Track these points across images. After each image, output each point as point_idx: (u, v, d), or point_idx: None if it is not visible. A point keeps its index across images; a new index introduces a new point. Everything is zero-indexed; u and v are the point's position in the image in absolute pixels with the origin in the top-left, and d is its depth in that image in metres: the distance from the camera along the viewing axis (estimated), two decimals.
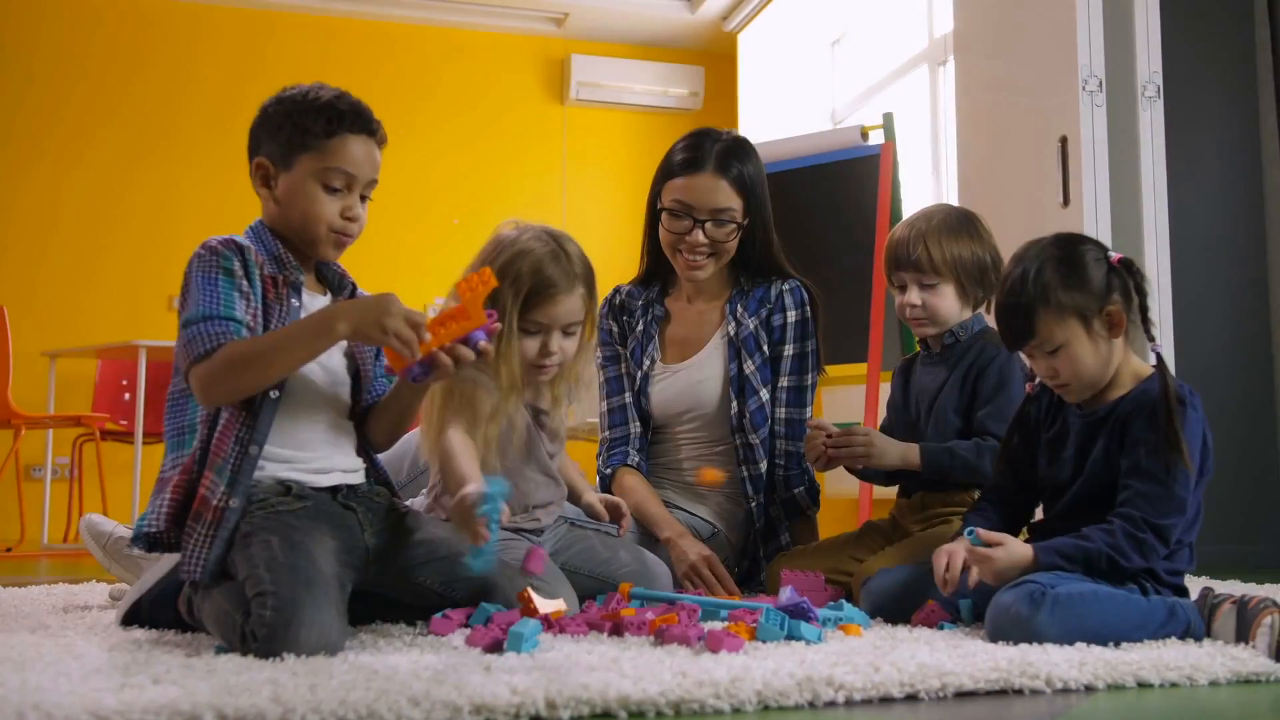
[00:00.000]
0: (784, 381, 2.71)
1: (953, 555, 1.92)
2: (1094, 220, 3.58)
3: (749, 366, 2.69)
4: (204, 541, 1.85)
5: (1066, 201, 3.64)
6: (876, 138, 4.44)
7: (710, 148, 2.66)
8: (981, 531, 1.92)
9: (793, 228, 4.50)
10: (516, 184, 6.72)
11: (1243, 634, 1.74)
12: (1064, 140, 3.67)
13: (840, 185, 4.39)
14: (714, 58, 7.02)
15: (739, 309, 2.73)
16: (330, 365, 2.04)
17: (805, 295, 2.75)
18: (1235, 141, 4.04)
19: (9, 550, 5.02)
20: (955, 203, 4.38)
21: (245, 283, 1.93)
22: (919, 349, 2.53)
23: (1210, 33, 4.06)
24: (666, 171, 2.71)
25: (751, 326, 2.70)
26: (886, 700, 1.47)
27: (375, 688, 1.36)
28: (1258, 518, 3.85)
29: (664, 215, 2.69)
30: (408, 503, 2.28)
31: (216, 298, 1.89)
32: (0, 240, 6.10)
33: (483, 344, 1.90)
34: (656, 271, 2.81)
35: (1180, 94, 3.86)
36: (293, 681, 1.40)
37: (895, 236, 2.47)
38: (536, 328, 2.16)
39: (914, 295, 2.41)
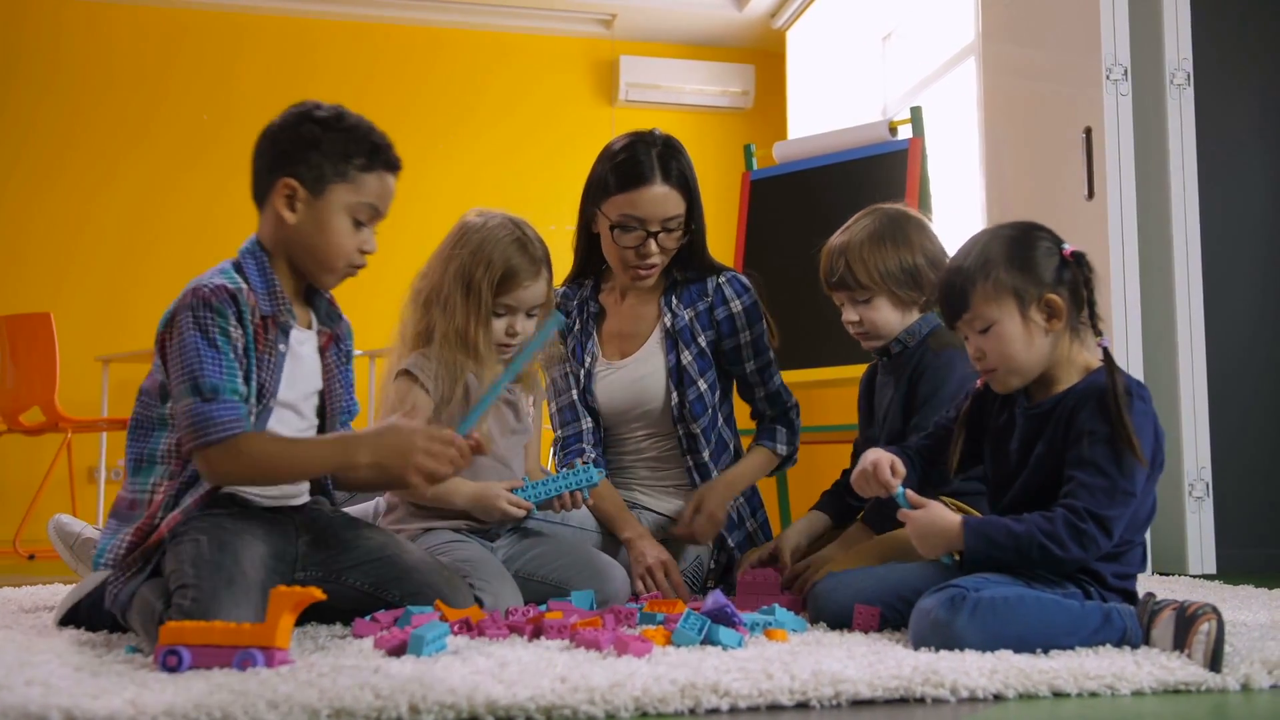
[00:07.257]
0: (751, 365, 2.72)
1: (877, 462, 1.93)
2: (1119, 213, 3.46)
3: (686, 357, 2.65)
4: (133, 568, 1.87)
5: (1091, 194, 3.53)
6: (905, 133, 4.38)
7: (649, 155, 2.57)
8: (911, 494, 1.90)
9: (821, 224, 4.45)
10: (566, 186, 6.61)
11: (1180, 641, 1.65)
12: (1088, 131, 3.56)
13: (868, 181, 4.33)
14: (764, 55, 6.94)
15: (674, 300, 2.70)
16: (305, 411, 2.04)
17: (744, 283, 2.73)
18: (1274, 131, 3.87)
19: None
20: (983, 196, 4.29)
21: (240, 342, 1.89)
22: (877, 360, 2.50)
23: (1247, 17, 3.89)
24: (605, 187, 2.60)
25: (687, 318, 2.68)
26: (775, 708, 1.43)
27: (240, 690, 1.36)
28: None
29: (614, 231, 2.60)
30: (353, 509, 2.29)
31: (220, 367, 1.84)
32: (51, 246, 6.21)
33: None
34: (587, 269, 2.78)
35: (1213, 82, 3.71)
36: (160, 683, 1.40)
37: (823, 252, 2.45)
38: (504, 310, 2.33)
39: (850, 313, 2.41)
